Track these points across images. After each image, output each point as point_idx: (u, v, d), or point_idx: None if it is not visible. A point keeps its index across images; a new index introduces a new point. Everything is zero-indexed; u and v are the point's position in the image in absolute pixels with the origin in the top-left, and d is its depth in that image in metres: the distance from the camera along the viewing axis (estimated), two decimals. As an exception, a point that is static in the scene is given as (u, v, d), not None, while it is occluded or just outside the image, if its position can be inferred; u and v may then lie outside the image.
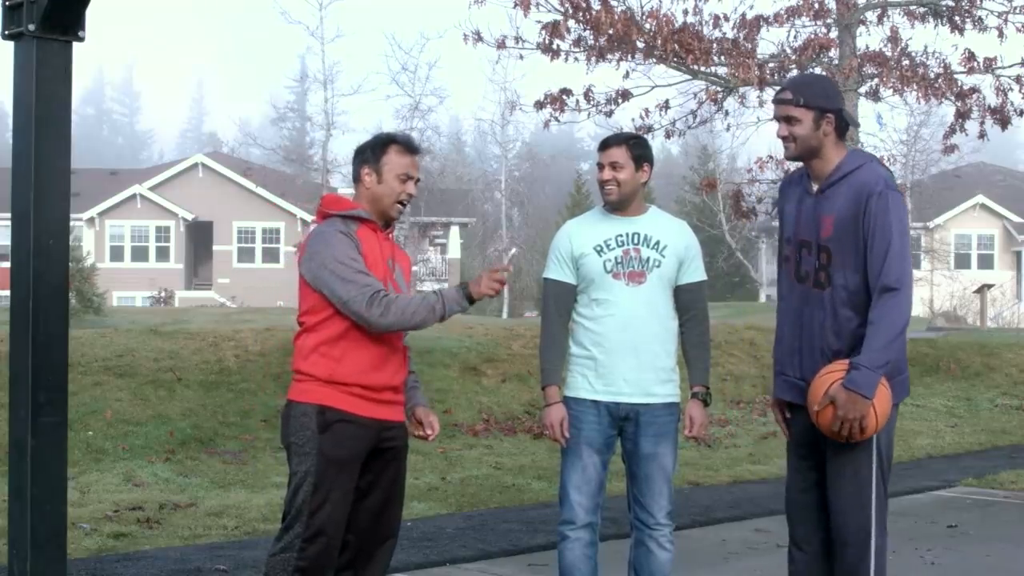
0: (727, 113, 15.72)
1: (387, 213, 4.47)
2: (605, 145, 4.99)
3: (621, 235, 4.93)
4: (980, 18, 14.97)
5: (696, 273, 5.03)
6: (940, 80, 14.79)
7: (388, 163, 4.44)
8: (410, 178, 4.47)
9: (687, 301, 5.01)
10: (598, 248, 4.92)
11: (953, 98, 15.10)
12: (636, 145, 4.98)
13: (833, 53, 15.13)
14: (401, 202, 4.46)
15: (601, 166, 4.97)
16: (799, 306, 4.47)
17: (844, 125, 4.49)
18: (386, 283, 4.36)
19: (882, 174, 4.40)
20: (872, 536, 4.36)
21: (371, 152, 4.47)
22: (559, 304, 4.99)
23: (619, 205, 4.96)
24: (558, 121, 15.29)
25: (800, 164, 4.61)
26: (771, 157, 16.61)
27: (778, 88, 4.63)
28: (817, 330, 4.40)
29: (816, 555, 4.53)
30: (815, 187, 4.48)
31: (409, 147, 4.50)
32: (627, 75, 15.00)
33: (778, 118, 4.49)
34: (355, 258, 4.29)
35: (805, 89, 4.48)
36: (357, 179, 4.48)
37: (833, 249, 4.37)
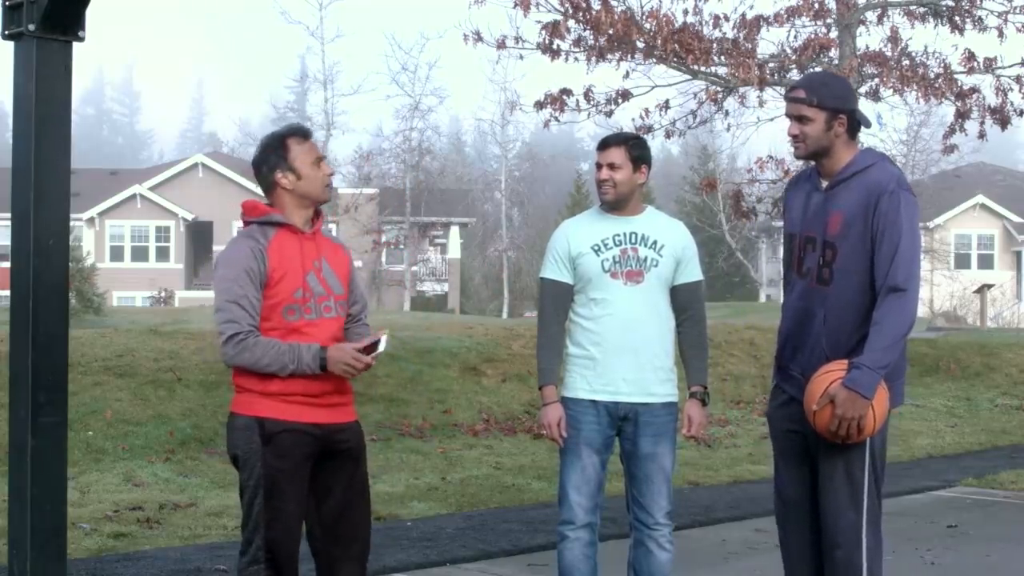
0: (727, 113, 15.73)
1: (319, 198, 4.42)
2: (604, 145, 4.99)
3: (619, 234, 4.93)
4: (980, 18, 14.97)
5: (693, 273, 5.03)
6: (940, 80, 14.78)
7: (296, 156, 4.36)
8: (321, 159, 4.43)
9: (684, 301, 5.01)
10: (596, 247, 4.92)
11: (953, 98, 15.10)
12: (635, 146, 4.97)
13: (833, 53, 15.13)
14: (328, 185, 4.45)
15: (599, 166, 4.97)
16: (801, 302, 4.45)
17: (856, 125, 4.45)
18: (306, 286, 4.30)
19: (895, 173, 4.37)
20: (863, 537, 4.34)
21: (275, 156, 4.38)
22: (556, 304, 4.99)
23: (616, 205, 4.96)
24: (558, 121, 15.29)
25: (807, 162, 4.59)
26: (771, 157, 16.62)
27: (791, 86, 4.59)
28: (818, 326, 4.37)
29: (808, 559, 4.52)
30: (824, 184, 4.46)
31: (304, 134, 4.44)
32: (627, 75, 15.01)
33: (790, 116, 4.45)
34: (242, 283, 4.24)
35: (820, 89, 4.43)
36: (271, 187, 4.39)
37: (839, 246, 4.34)
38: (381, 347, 4.28)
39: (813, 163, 4.54)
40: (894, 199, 4.27)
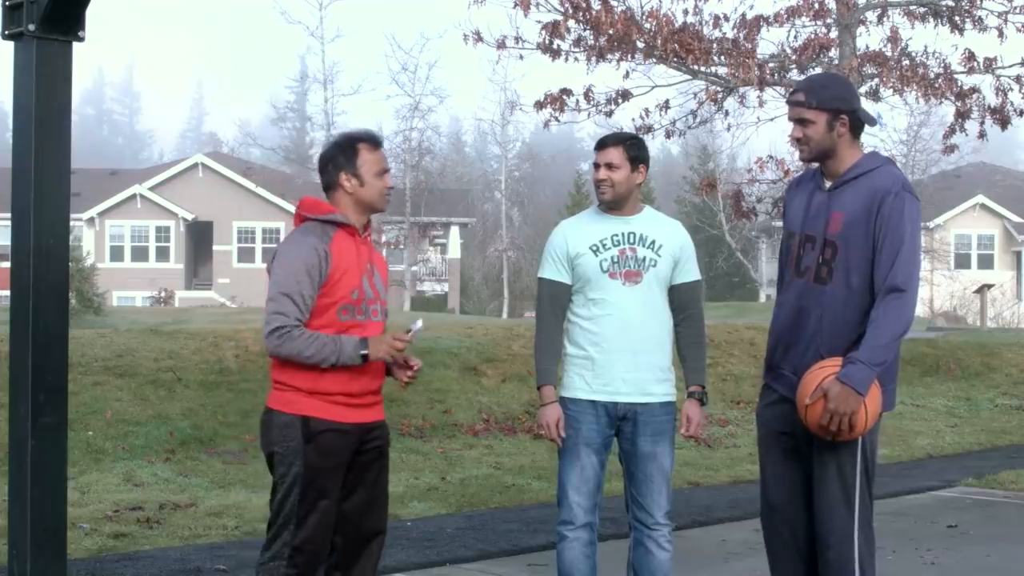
0: (727, 113, 15.71)
1: (376, 207, 4.48)
2: (602, 145, 4.99)
3: (617, 235, 4.93)
4: (980, 18, 14.95)
5: (691, 273, 5.03)
6: (940, 80, 14.77)
7: (364, 163, 4.42)
8: (386, 171, 4.50)
9: (682, 301, 5.01)
10: (594, 248, 4.92)
11: (953, 98, 15.08)
12: (633, 146, 4.97)
13: (833, 53, 15.12)
14: (387, 196, 4.51)
15: (597, 165, 4.97)
16: (797, 301, 4.45)
17: (859, 125, 4.46)
18: (361, 288, 4.36)
19: (899, 176, 4.38)
20: (855, 537, 4.34)
21: (344, 157, 4.44)
22: (555, 304, 4.98)
23: (613, 205, 4.97)
24: (558, 121, 15.26)
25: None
26: (771, 157, 16.60)
27: (792, 90, 4.60)
28: (814, 325, 4.37)
29: (793, 560, 4.51)
30: (828, 184, 4.46)
31: (376, 143, 4.50)
32: (627, 75, 14.98)
33: (792, 120, 4.46)
34: (300, 278, 4.26)
35: (819, 91, 4.43)
36: (333, 186, 4.45)
37: (839, 245, 4.34)
38: (416, 326, 4.38)
39: (817, 164, 4.53)
40: (898, 201, 4.28)
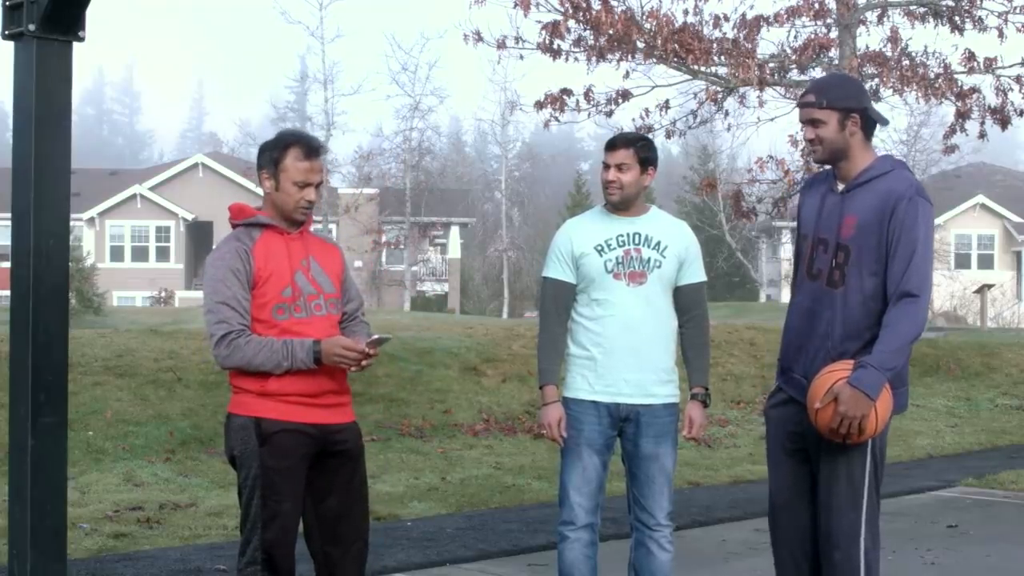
0: (727, 113, 15.73)
1: (290, 217, 4.38)
2: (612, 145, 4.96)
3: (622, 235, 4.92)
4: (980, 18, 14.98)
5: (696, 274, 5.02)
6: (940, 80, 14.80)
7: (285, 169, 4.32)
8: (308, 184, 4.34)
9: (687, 302, 5.00)
10: (599, 248, 4.91)
11: (953, 98, 15.11)
12: (643, 148, 4.95)
13: (833, 53, 15.15)
14: (303, 208, 4.37)
15: (607, 166, 4.94)
16: (809, 304, 4.44)
17: (871, 124, 4.45)
18: (295, 285, 4.31)
19: (913, 181, 4.37)
20: (861, 539, 4.34)
21: (269, 155, 4.35)
22: (558, 304, 4.98)
23: (621, 206, 4.96)
24: (558, 121, 15.30)
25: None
26: (771, 157, 16.63)
27: (802, 92, 4.60)
28: (825, 329, 4.37)
29: (799, 560, 4.51)
30: (841, 186, 4.46)
31: (309, 151, 4.34)
32: (627, 75, 15.02)
33: (803, 122, 4.46)
34: (229, 283, 4.25)
35: (828, 91, 4.43)
36: (261, 183, 4.40)
37: (852, 249, 4.33)
38: (382, 336, 4.31)
39: (830, 167, 4.53)
40: (912, 206, 4.27)
